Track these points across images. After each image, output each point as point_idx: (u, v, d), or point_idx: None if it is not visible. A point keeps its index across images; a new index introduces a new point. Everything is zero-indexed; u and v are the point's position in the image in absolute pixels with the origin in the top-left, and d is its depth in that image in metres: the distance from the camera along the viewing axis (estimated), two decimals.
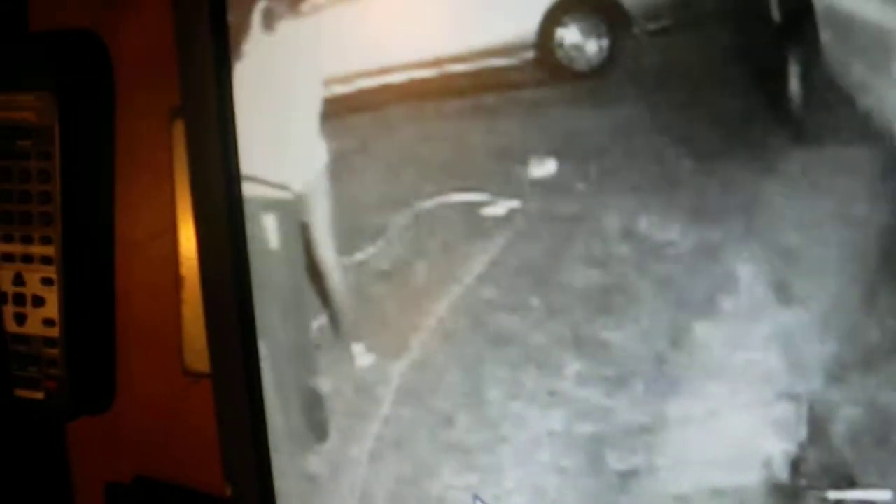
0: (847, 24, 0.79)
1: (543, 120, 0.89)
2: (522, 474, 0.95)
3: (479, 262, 0.93)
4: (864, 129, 0.79)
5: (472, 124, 0.92)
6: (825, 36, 0.80)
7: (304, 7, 0.96)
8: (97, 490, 1.42)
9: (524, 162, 0.90)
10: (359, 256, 0.98)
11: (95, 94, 1.33)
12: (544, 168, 0.89)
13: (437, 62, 0.92)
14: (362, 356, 0.98)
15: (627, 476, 0.91)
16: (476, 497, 0.97)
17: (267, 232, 1.00)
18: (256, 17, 0.97)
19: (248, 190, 0.99)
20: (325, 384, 1.00)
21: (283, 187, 0.98)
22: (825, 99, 0.80)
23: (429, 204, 0.94)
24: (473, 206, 0.92)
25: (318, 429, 1.01)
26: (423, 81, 0.93)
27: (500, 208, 0.91)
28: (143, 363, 1.36)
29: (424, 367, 0.97)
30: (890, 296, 0.80)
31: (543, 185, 0.90)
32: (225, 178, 1.01)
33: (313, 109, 0.96)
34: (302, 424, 1.02)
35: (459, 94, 0.92)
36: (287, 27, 0.97)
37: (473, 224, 0.92)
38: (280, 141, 0.99)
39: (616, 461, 0.91)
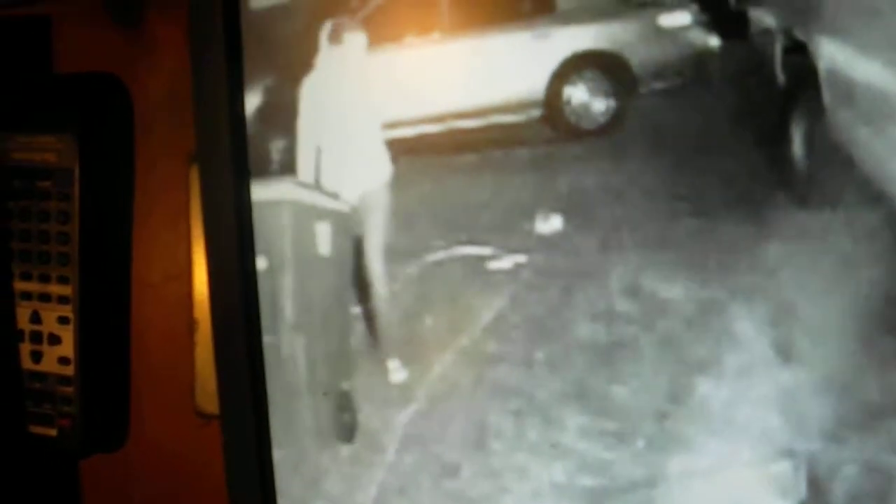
0: (849, 88, 0.80)
1: (550, 177, 0.90)
2: None
3: (484, 315, 0.94)
4: (864, 192, 0.79)
5: (480, 179, 0.93)
6: (828, 99, 0.81)
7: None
8: None
9: (531, 218, 0.91)
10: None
11: (116, 136, 1.34)
12: (550, 224, 0.90)
13: (446, 117, 0.93)
14: (397, 371, 0.99)
15: None
16: None
17: (319, 239, 1.00)
18: (324, 33, 0.98)
19: (299, 196, 1.00)
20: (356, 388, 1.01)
21: (338, 198, 0.99)
22: (827, 162, 0.81)
23: (437, 257, 0.95)
24: (480, 260, 0.93)
25: (345, 431, 1.02)
26: (433, 136, 0.94)
27: (506, 263, 0.92)
28: (156, 404, 1.37)
29: (430, 416, 0.97)
30: (890, 357, 0.80)
31: (549, 240, 0.91)
32: (237, 220, 1.02)
33: (377, 121, 0.96)
34: (330, 426, 1.02)
35: (468, 150, 0.93)
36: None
37: (480, 277, 0.93)
38: (342, 152, 0.99)
39: None
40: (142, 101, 1.35)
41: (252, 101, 1.01)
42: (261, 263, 1.02)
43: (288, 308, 1.02)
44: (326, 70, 0.98)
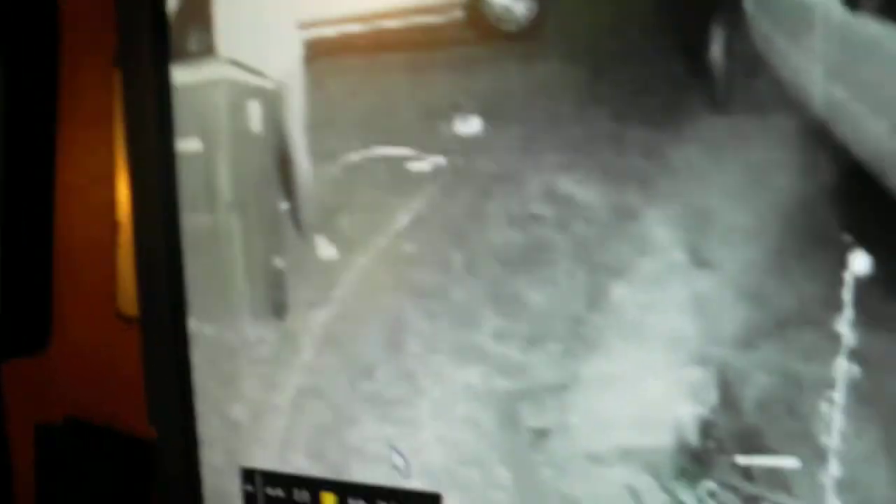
0: None
1: (470, 78, 0.90)
2: (439, 427, 0.96)
3: (402, 217, 0.94)
4: (780, 98, 0.80)
5: (400, 80, 0.92)
6: (748, 5, 0.81)
7: None
8: (28, 430, 1.42)
9: (450, 119, 0.91)
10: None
11: (39, 39, 1.32)
12: (469, 126, 0.90)
13: (367, 17, 0.93)
14: (324, 247, 0.99)
15: (541, 433, 0.92)
16: (393, 448, 0.98)
17: (251, 116, 1.00)
18: None
19: (232, 74, 0.99)
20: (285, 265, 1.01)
21: (262, 74, 0.98)
22: (745, 68, 0.81)
23: (356, 157, 0.95)
24: (399, 161, 0.93)
25: (278, 308, 1.02)
26: (354, 36, 0.93)
27: (425, 164, 0.92)
28: (78, 306, 1.37)
29: (346, 317, 0.98)
30: (802, 264, 0.81)
31: (468, 142, 0.90)
32: (158, 126, 1.02)
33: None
34: (264, 300, 1.02)
35: (389, 50, 0.93)
36: None
37: (399, 178, 0.93)
38: (260, 29, 0.98)
39: (530, 418, 0.92)
40: (66, 2, 1.33)
41: None
42: (195, 145, 1.01)
43: (224, 186, 1.01)
44: None
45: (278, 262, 0.99)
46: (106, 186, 1.28)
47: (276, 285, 1.00)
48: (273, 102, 0.97)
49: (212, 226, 1.02)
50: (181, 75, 1.01)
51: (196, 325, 1.05)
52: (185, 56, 1.00)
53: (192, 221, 1.03)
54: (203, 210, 1.01)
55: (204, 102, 1.00)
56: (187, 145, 1.01)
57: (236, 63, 0.98)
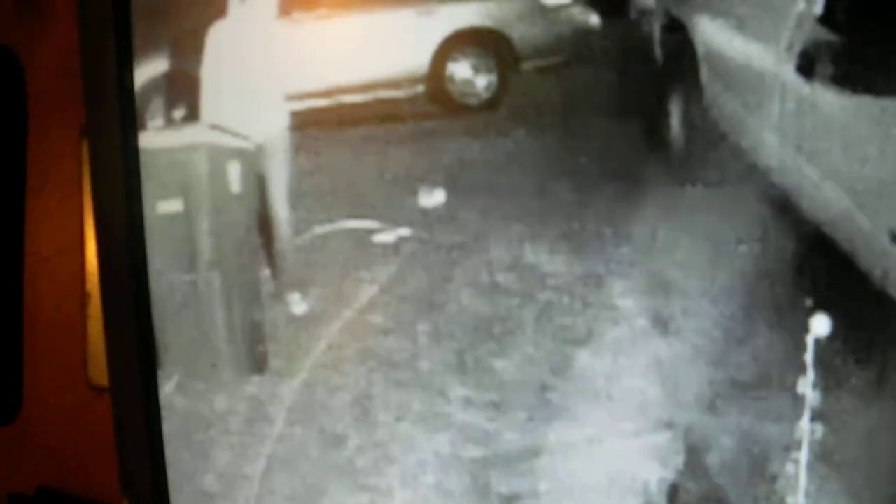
0: (725, 66, 0.82)
1: (433, 151, 0.91)
2: (410, 496, 0.96)
3: (369, 288, 0.94)
4: (738, 167, 0.81)
5: (365, 154, 0.93)
6: (705, 76, 0.82)
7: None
8: (2, 500, 1.42)
9: (414, 192, 0.92)
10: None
11: (7, 110, 1.33)
12: (433, 198, 0.91)
13: (330, 92, 0.94)
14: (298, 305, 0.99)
15: (511, 500, 0.92)
16: None
17: (231, 178, 1.00)
18: None
19: (213, 138, 1.00)
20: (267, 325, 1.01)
21: (244, 137, 0.99)
22: (703, 138, 0.82)
23: (324, 229, 0.96)
24: (365, 233, 0.94)
25: (259, 361, 1.02)
26: (319, 111, 0.94)
27: (390, 236, 0.93)
28: (49, 376, 1.37)
29: (316, 388, 0.98)
30: (762, 329, 0.82)
31: (432, 214, 0.91)
32: (126, 194, 1.02)
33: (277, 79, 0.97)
34: (244, 354, 1.02)
35: (354, 125, 0.94)
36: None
37: (365, 250, 0.94)
38: (246, 96, 0.99)
39: (500, 485, 0.92)
40: (35, 74, 1.34)
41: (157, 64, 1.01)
42: (177, 206, 1.02)
43: (205, 246, 1.02)
44: (235, 20, 0.98)
45: (257, 317, 1.00)
46: (75, 258, 1.28)
47: (256, 339, 1.01)
48: (253, 163, 0.98)
49: (192, 284, 1.02)
50: (161, 139, 1.01)
51: (168, 395, 1.05)
52: (168, 122, 1.01)
53: (172, 281, 1.03)
54: (184, 269, 1.02)
55: (185, 164, 1.00)
56: (168, 207, 1.02)
57: (217, 127, 0.99)
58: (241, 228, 1.01)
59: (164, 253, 1.04)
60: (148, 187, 1.03)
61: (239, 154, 0.99)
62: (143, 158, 1.03)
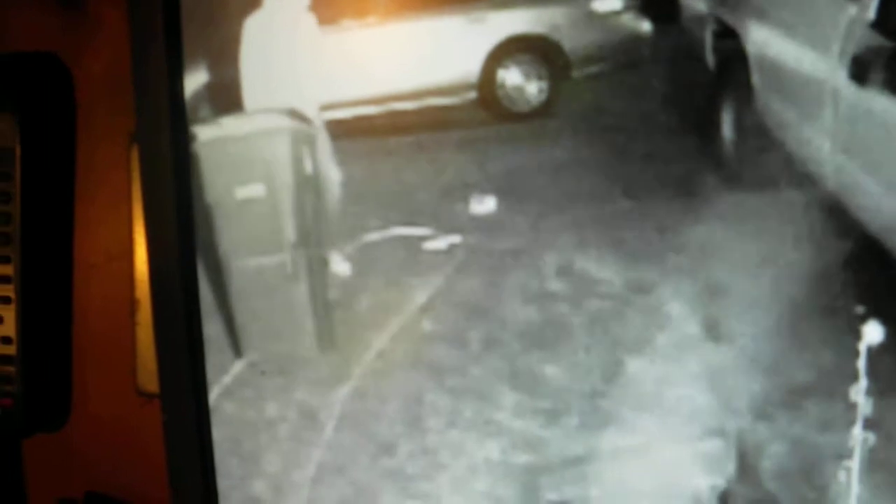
0: (777, 72, 0.82)
1: (484, 158, 0.91)
2: (460, 502, 0.96)
3: (420, 295, 0.95)
4: (791, 174, 0.81)
5: (416, 161, 0.94)
6: (757, 82, 0.82)
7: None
8: None
9: (465, 199, 0.92)
10: None
11: (56, 116, 1.34)
12: (484, 205, 0.91)
13: (382, 99, 0.94)
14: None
15: None
16: None
17: (304, 159, 1.01)
18: None
19: (291, 122, 1.00)
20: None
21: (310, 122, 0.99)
22: (755, 144, 0.82)
23: (374, 237, 0.96)
24: (416, 241, 0.94)
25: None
26: (370, 118, 0.95)
27: (441, 243, 0.93)
28: (98, 382, 1.37)
29: (366, 394, 0.98)
30: (814, 336, 0.82)
31: (483, 221, 0.92)
32: (177, 201, 1.03)
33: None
34: (325, 329, 1.02)
35: (404, 132, 0.94)
36: None
37: (416, 258, 0.94)
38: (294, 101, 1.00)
39: (550, 491, 0.93)
40: (83, 81, 1.35)
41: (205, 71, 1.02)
42: (259, 190, 1.02)
43: (289, 227, 1.02)
44: (271, 11, 0.98)
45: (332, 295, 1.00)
46: (124, 264, 1.29)
47: (332, 316, 1.01)
48: (313, 143, 0.98)
49: (278, 265, 1.02)
50: (235, 126, 1.01)
51: (217, 400, 1.06)
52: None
53: (255, 264, 1.03)
54: (269, 252, 1.02)
55: (266, 149, 1.01)
56: (248, 192, 1.02)
57: (294, 111, 0.99)
58: (315, 212, 1.01)
59: (243, 238, 1.04)
60: (223, 176, 1.03)
61: (307, 136, 0.99)
62: (215, 148, 1.03)
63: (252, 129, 1.01)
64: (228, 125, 1.02)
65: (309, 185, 0.99)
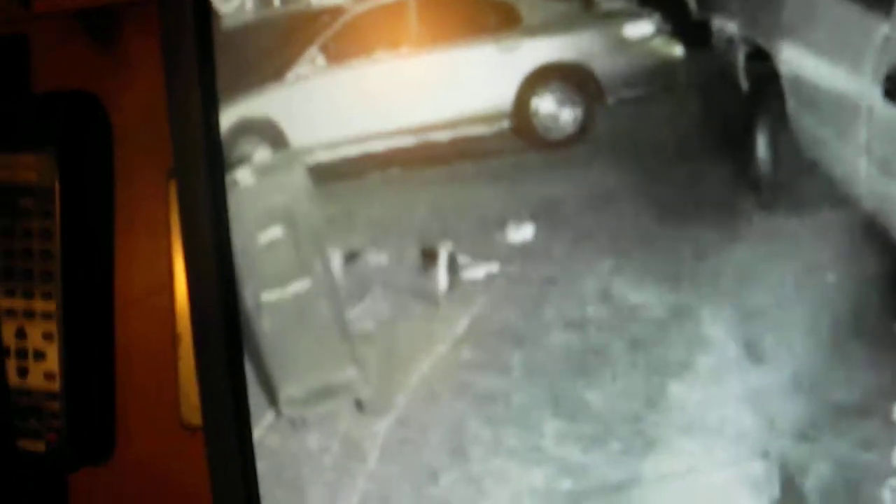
0: (812, 93, 0.82)
1: (520, 187, 0.91)
2: None
3: (460, 324, 0.95)
4: (828, 195, 0.81)
5: (451, 191, 0.94)
6: (791, 104, 0.82)
7: (289, 76, 0.99)
8: None
9: (502, 227, 0.92)
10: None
11: (95, 154, 1.35)
12: (521, 233, 0.91)
13: (416, 130, 0.94)
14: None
15: None
16: None
17: None
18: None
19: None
20: None
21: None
22: (792, 166, 0.82)
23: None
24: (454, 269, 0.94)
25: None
26: (403, 150, 0.95)
27: (479, 272, 0.94)
28: (142, 417, 1.38)
29: (409, 423, 0.99)
30: (855, 356, 0.82)
31: (521, 249, 0.92)
32: (215, 235, 1.04)
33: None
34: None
35: (438, 162, 0.94)
36: None
37: (454, 286, 0.94)
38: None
39: None
40: (119, 116, 1.36)
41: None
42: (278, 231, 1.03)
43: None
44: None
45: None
46: (164, 298, 1.30)
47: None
48: None
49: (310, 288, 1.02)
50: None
51: (261, 433, 1.06)
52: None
53: (288, 292, 1.04)
54: (299, 277, 1.02)
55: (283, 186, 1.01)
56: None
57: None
58: None
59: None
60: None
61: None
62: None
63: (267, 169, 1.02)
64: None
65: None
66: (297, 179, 1.01)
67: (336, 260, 1.00)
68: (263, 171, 1.03)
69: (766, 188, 0.83)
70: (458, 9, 0.94)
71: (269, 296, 1.04)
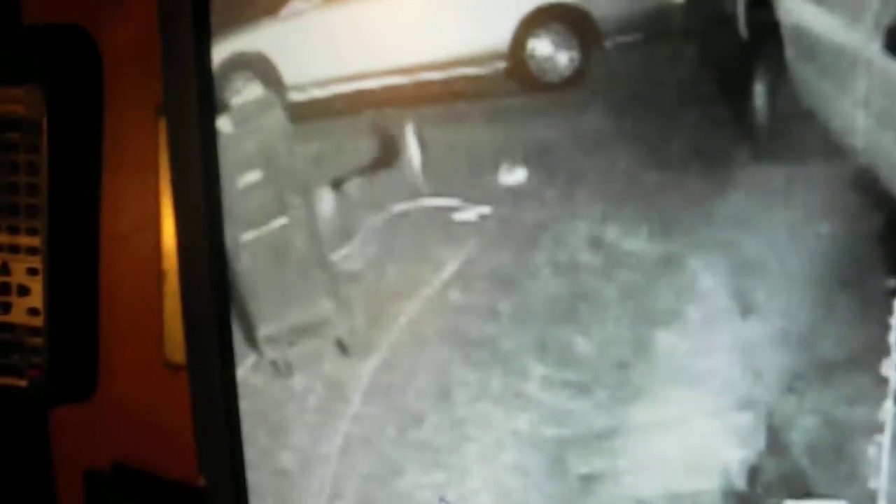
0: (812, 43, 0.81)
1: (514, 129, 0.91)
2: (487, 474, 0.96)
3: (449, 266, 0.94)
4: (824, 146, 0.80)
5: (444, 132, 0.93)
6: (790, 53, 0.81)
7: (284, 12, 0.98)
8: (77, 476, 1.43)
9: (495, 170, 0.91)
10: (333, 257, 1.00)
11: (83, 88, 1.34)
12: (514, 176, 0.91)
13: (410, 69, 0.94)
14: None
15: (589, 479, 0.92)
16: (441, 498, 0.98)
17: None
18: None
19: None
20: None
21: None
22: (789, 116, 0.81)
23: (402, 207, 0.96)
24: (445, 212, 0.94)
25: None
26: (397, 88, 0.94)
27: (471, 214, 0.93)
28: (125, 354, 1.38)
29: (394, 366, 0.98)
30: (845, 310, 0.81)
31: (513, 192, 0.91)
32: (204, 172, 1.03)
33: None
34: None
35: (432, 102, 0.93)
36: None
37: (445, 228, 0.94)
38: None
39: (579, 464, 0.92)
40: (110, 52, 1.35)
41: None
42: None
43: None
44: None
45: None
46: (151, 235, 1.29)
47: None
48: None
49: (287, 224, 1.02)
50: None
51: (244, 372, 1.06)
52: None
53: (265, 231, 1.03)
54: (277, 216, 1.02)
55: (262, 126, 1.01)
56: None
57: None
58: None
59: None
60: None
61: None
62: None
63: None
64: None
65: None
66: (274, 122, 1.00)
67: (325, 199, 0.99)
68: (241, 118, 1.03)
69: (762, 137, 0.83)
70: None
71: (247, 236, 1.04)
